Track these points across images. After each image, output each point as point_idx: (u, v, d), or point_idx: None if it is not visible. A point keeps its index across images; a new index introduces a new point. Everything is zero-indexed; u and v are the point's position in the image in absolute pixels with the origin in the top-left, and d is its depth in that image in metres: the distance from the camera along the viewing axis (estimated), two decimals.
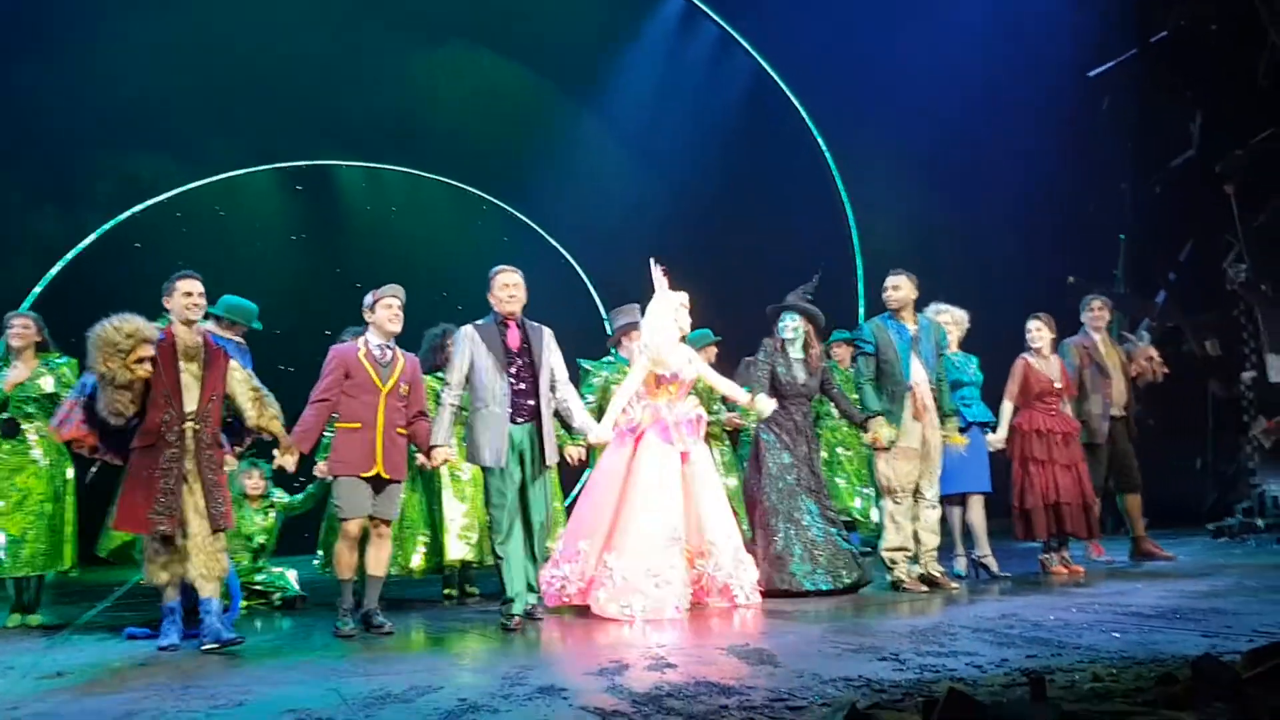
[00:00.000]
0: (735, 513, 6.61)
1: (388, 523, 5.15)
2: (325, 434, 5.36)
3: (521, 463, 5.10)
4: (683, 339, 5.77)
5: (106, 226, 10.21)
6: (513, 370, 5.09)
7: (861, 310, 11.54)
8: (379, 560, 5.12)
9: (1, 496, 5.48)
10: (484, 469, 5.12)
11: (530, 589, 5.18)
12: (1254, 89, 9.30)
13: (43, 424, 5.49)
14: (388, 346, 5.12)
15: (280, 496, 6.51)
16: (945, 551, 6.31)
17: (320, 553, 6.45)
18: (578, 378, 6.15)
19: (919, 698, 2.84)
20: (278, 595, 6.20)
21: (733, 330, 7.29)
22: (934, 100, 10.71)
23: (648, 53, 11.77)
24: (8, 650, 4.70)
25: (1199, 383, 9.91)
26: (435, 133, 11.43)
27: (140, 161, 10.43)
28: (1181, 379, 9.35)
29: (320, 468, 5.92)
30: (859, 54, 10.83)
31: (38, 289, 9.78)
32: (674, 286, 5.72)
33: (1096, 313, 7.14)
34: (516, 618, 4.93)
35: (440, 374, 6.23)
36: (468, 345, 5.13)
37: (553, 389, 5.25)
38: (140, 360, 4.45)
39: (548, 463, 5.17)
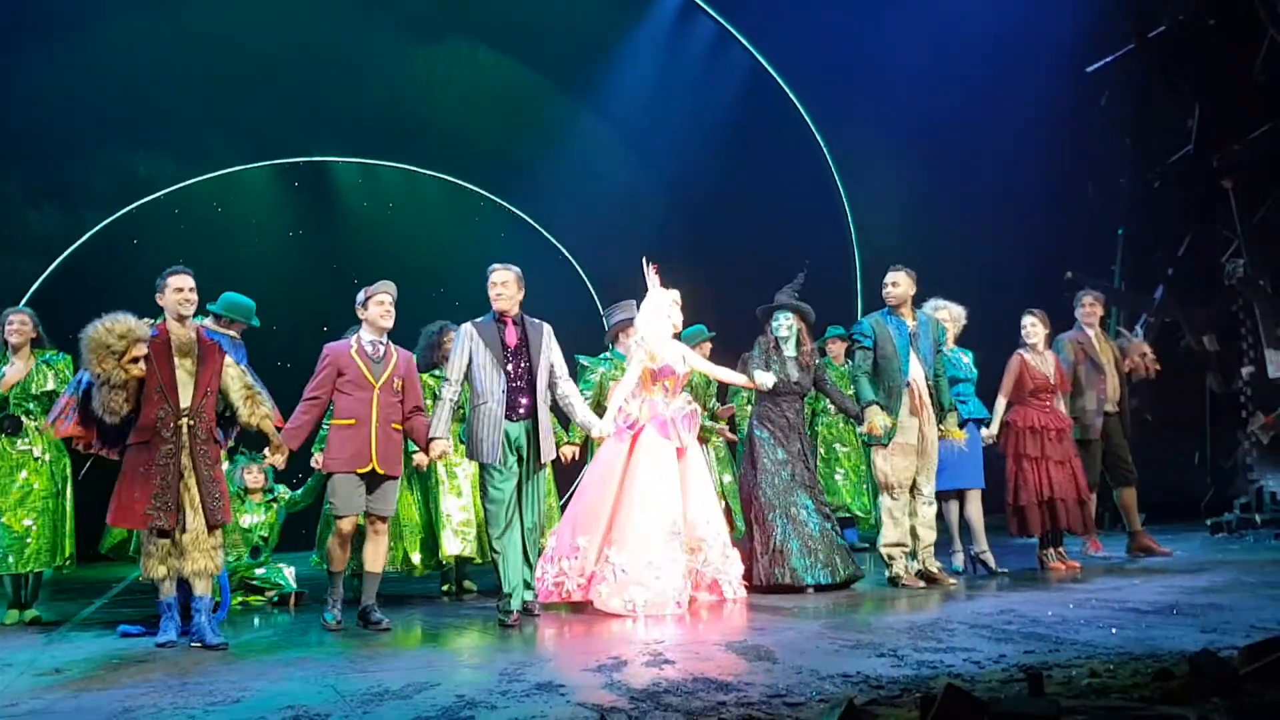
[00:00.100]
0: (730, 509, 6.66)
1: (384, 519, 5.16)
2: (324, 426, 5.36)
3: (519, 459, 5.11)
4: (676, 336, 5.82)
5: (104, 223, 10.20)
6: (509, 367, 5.09)
7: (860, 306, 11.55)
8: (376, 556, 5.12)
9: (4, 493, 5.49)
10: (481, 465, 5.13)
11: (526, 585, 5.18)
12: (1252, 84, 9.30)
13: (43, 420, 5.49)
14: (380, 343, 5.12)
15: (283, 491, 6.52)
16: (943, 547, 6.31)
17: (317, 549, 6.46)
18: (575, 374, 6.16)
19: (917, 694, 2.84)
20: (274, 592, 6.21)
21: (729, 326, 7.29)
22: (932, 95, 10.69)
23: (645, 49, 11.74)
24: (5, 647, 4.70)
25: (1197, 378, 9.92)
26: (433, 129, 11.43)
27: (138, 158, 10.42)
28: (1180, 374, 9.38)
29: (318, 459, 5.91)
30: (855, 49, 10.81)
31: (35, 285, 9.78)
32: (668, 283, 5.77)
33: (1089, 308, 7.15)
34: (514, 614, 4.93)
35: (437, 372, 6.24)
36: (467, 342, 5.14)
37: (554, 385, 5.26)
38: (134, 360, 4.45)
39: (543, 460, 5.17)
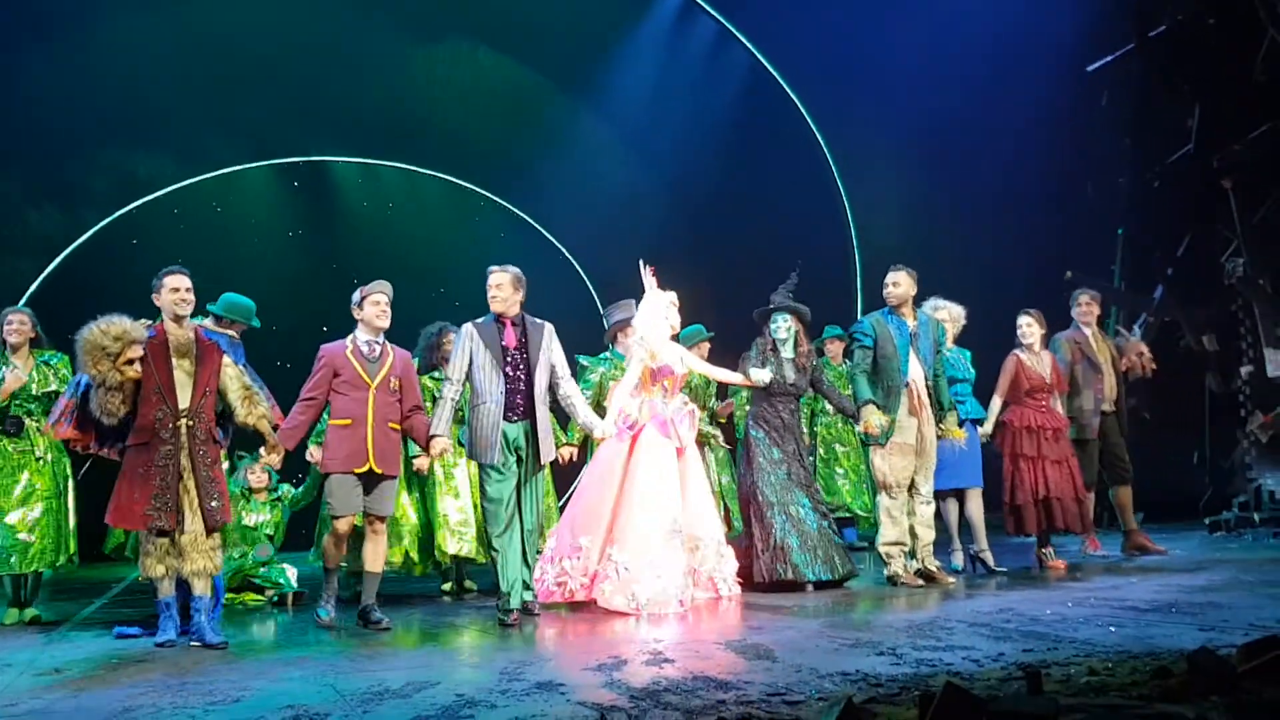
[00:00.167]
0: (729, 509, 6.68)
1: (383, 519, 5.16)
2: (323, 422, 5.36)
3: (518, 460, 5.11)
4: (674, 337, 5.84)
5: (104, 223, 10.20)
6: (508, 369, 5.10)
7: (860, 306, 11.55)
8: (376, 556, 5.13)
9: (6, 494, 5.50)
10: (480, 465, 5.14)
11: (526, 586, 5.18)
12: (1252, 84, 9.30)
13: (44, 422, 5.49)
14: (376, 342, 5.13)
15: (287, 490, 6.54)
16: (942, 547, 6.32)
17: (315, 548, 6.47)
18: (575, 374, 6.17)
19: (916, 692, 2.84)
20: (274, 592, 6.21)
21: (729, 326, 7.29)
22: (932, 95, 10.69)
23: (645, 48, 11.74)
24: (5, 646, 4.70)
25: (1196, 378, 9.91)
26: (433, 129, 11.42)
27: (138, 158, 10.41)
28: (1179, 374, 9.38)
29: (313, 452, 5.89)
30: (856, 49, 10.81)
31: (35, 285, 9.78)
32: (667, 284, 5.81)
33: (1085, 307, 7.16)
34: (514, 613, 4.93)
35: (436, 374, 6.26)
36: (467, 342, 5.15)
37: (556, 385, 5.27)
38: (130, 361, 4.45)
39: (543, 461, 5.17)
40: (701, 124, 11.65)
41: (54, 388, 5.55)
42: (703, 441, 6.57)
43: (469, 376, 5.14)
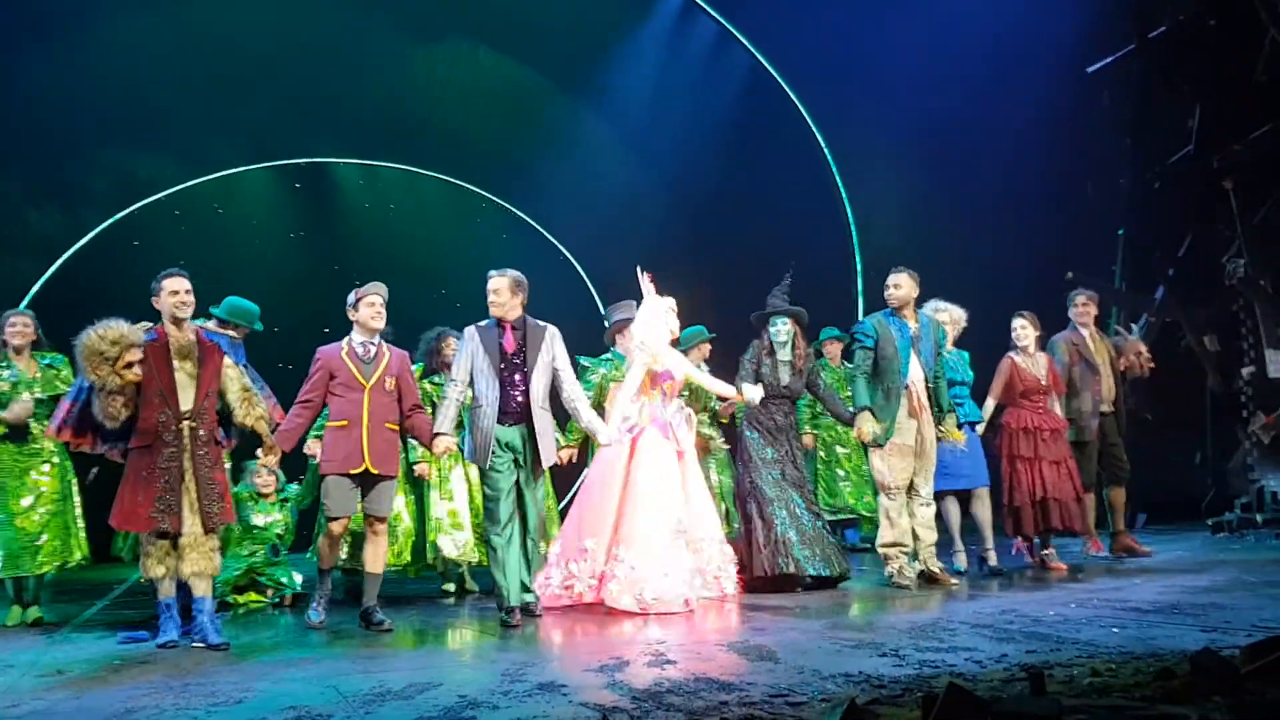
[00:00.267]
0: (729, 512, 6.68)
1: (382, 520, 5.16)
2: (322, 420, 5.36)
3: (516, 463, 5.10)
4: (674, 342, 5.87)
5: (105, 224, 10.19)
6: (505, 372, 5.09)
7: (860, 306, 11.54)
8: (376, 558, 5.12)
9: (16, 496, 5.50)
10: (479, 467, 5.14)
11: (526, 588, 5.17)
12: (1252, 84, 9.30)
13: (48, 424, 5.50)
14: (371, 343, 5.12)
15: (293, 490, 6.55)
16: (944, 547, 6.31)
17: (313, 547, 6.47)
18: (576, 374, 6.17)
19: (919, 693, 2.84)
20: (275, 592, 6.21)
21: (729, 326, 7.29)
22: (932, 95, 10.69)
23: (646, 49, 11.74)
24: (7, 647, 4.70)
25: (1197, 378, 9.92)
26: (433, 129, 11.41)
27: (139, 160, 10.41)
28: (1180, 374, 9.39)
29: (311, 445, 5.87)
30: (856, 50, 10.81)
31: (36, 287, 9.78)
32: (667, 285, 5.82)
33: (1082, 308, 7.15)
34: (516, 614, 4.93)
35: (436, 379, 6.26)
36: (469, 344, 5.16)
37: (559, 388, 5.26)
38: (129, 365, 4.45)
39: (543, 465, 5.16)
40: (701, 124, 11.64)
41: (60, 390, 5.55)
42: (704, 443, 6.57)
43: (470, 379, 5.15)
